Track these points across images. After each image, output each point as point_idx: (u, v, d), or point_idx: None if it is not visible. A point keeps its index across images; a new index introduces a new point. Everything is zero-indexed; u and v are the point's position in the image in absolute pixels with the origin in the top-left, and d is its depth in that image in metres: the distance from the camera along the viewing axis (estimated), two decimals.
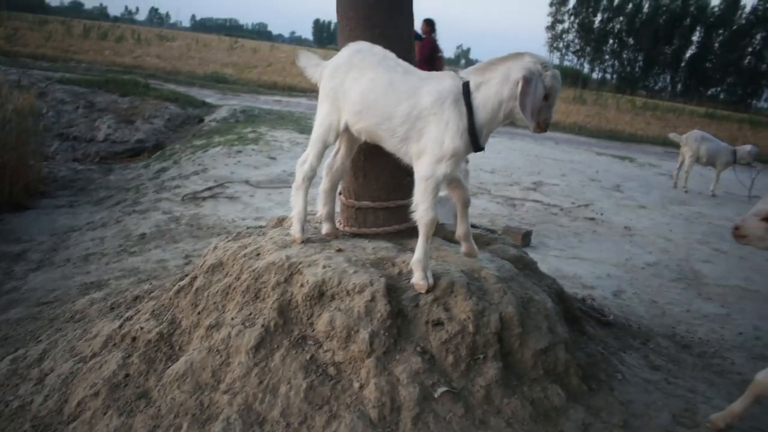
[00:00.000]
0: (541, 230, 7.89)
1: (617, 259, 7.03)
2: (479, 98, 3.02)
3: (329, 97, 3.33)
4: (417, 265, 3.23)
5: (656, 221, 9.48)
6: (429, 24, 13.86)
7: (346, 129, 3.36)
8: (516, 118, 3.05)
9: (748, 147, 13.29)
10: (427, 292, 3.21)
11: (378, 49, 3.31)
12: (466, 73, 3.10)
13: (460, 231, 3.45)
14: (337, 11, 3.69)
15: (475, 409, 2.95)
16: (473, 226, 4.72)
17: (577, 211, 9.39)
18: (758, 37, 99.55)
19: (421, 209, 3.13)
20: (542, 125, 3.02)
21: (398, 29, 3.65)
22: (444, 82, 3.11)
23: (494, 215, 8.35)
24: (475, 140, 3.06)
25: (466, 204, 3.39)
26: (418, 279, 3.22)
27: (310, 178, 3.54)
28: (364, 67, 3.23)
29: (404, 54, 3.59)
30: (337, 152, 3.57)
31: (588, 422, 3.11)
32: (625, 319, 4.92)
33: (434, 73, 3.23)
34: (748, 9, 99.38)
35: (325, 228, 3.71)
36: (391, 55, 3.29)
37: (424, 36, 13.46)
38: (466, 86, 3.05)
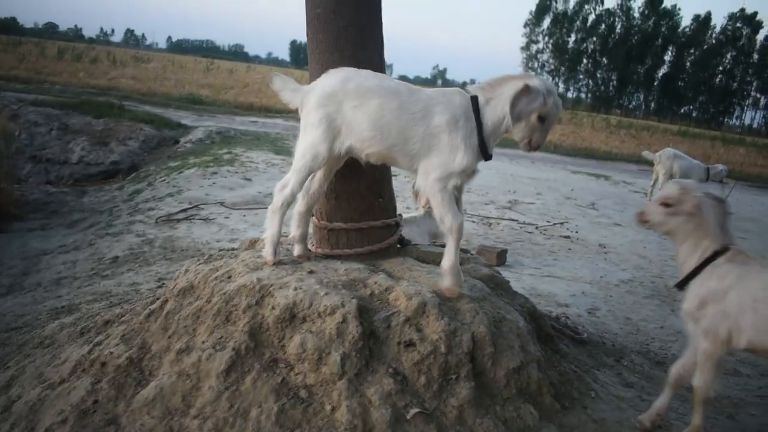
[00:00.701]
0: (516, 249, 7.94)
1: (592, 276, 7.08)
2: (488, 113, 3.19)
3: (321, 125, 3.25)
4: (449, 270, 3.33)
5: (630, 239, 9.58)
6: None
7: (338, 154, 3.35)
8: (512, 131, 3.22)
9: (720, 167, 13.57)
10: (459, 297, 3.34)
11: (367, 73, 3.33)
12: (474, 89, 3.25)
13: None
14: (307, 34, 3.70)
15: (448, 430, 2.94)
16: (443, 246, 4.74)
17: (553, 230, 9.47)
18: (728, 56, 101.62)
19: (448, 219, 3.26)
20: (533, 144, 3.22)
21: (368, 52, 3.67)
22: (454, 99, 3.23)
23: (470, 234, 8.38)
24: (484, 150, 3.23)
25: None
26: (450, 284, 3.33)
27: (289, 204, 3.49)
28: (363, 93, 3.21)
29: None
30: (314, 176, 3.55)
31: None
32: (599, 337, 4.95)
33: (442, 90, 3.32)
34: (717, 29, 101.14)
35: (297, 250, 3.70)
36: (385, 77, 3.35)
37: None
38: (475, 101, 3.19)
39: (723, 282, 3.02)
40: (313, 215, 3.83)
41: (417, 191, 3.34)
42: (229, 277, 3.48)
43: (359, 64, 3.52)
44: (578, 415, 3.34)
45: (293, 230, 3.67)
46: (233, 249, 4.48)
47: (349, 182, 3.65)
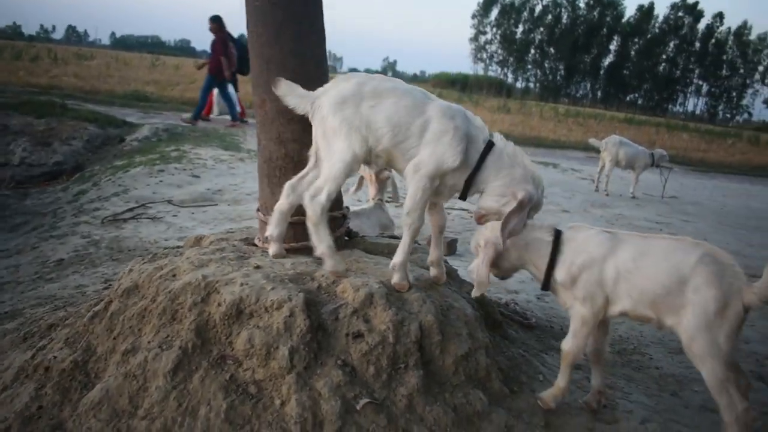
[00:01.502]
0: (467, 238, 8.00)
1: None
2: (489, 165, 3.26)
3: (344, 127, 3.23)
4: (400, 267, 3.36)
5: None
6: (215, 21, 14.68)
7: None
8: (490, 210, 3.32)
9: (662, 151, 13.95)
10: (408, 290, 3.38)
11: (381, 77, 3.38)
12: (496, 137, 3.36)
13: (433, 256, 3.61)
14: (248, 28, 3.67)
15: (398, 419, 2.97)
16: (393, 237, 4.77)
17: None
18: (671, 45, 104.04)
19: (413, 216, 3.29)
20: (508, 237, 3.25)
21: (310, 45, 3.65)
22: (474, 121, 3.35)
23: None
24: (466, 190, 3.32)
25: (441, 229, 3.55)
26: (399, 279, 3.36)
27: (327, 210, 3.37)
28: (379, 94, 3.25)
29: (316, 71, 3.62)
30: (304, 176, 3.52)
31: (510, 425, 3.16)
32: (547, 321, 5.04)
33: (462, 108, 3.38)
34: (660, 18, 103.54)
35: (273, 249, 3.65)
36: (399, 81, 3.38)
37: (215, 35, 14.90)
38: (489, 144, 3.29)
39: (599, 251, 3.14)
40: (258, 210, 3.81)
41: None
42: (174, 276, 3.44)
43: (299, 58, 3.52)
44: (527, 399, 3.39)
45: (271, 229, 3.59)
46: (178, 247, 4.43)
47: (293, 175, 3.63)
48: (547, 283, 3.33)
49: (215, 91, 16.87)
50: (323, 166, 3.33)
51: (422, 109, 3.25)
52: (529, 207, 3.20)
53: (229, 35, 15.70)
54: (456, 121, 3.24)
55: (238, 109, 17.18)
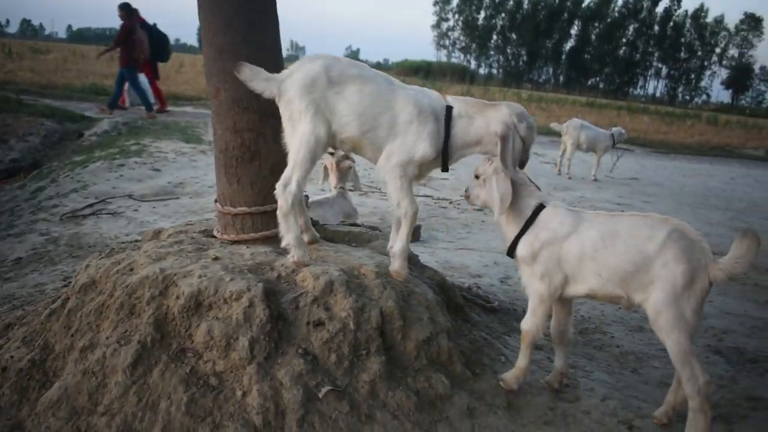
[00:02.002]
0: (430, 224, 8.05)
1: (504, 247, 7.23)
2: (458, 127, 3.29)
3: (310, 111, 3.20)
4: (400, 254, 3.36)
5: None
6: (123, 9, 14.67)
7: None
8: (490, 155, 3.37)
9: (620, 129, 14.17)
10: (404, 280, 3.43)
11: (348, 61, 3.35)
12: (451, 100, 3.36)
13: (393, 242, 3.58)
14: (200, 16, 3.62)
15: (361, 405, 2.98)
16: (354, 224, 4.77)
17: (466, 204, 9.61)
18: (630, 28, 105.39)
19: (405, 204, 3.27)
20: (522, 165, 3.37)
21: (263, 34, 3.62)
22: (430, 95, 3.35)
23: (384, 212, 8.43)
24: (445, 161, 3.35)
25: None
26: (398, 266, 3.34)
27: (298, 201, 3.38)
28: (345, 80, 3.23)
29: (271, 59, 3.59)
30: None
31: (473, 407, 3.19)
32: (510, 304, 5.08)
33: (420, 88, 3.41)
34: (620, 2, 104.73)
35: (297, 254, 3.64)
36: (365, 66, 3.36)
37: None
38: (449, 110, 3.29)
39: (561, 229, 3.17)
40: (216, 201, 3.77)
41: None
42: (132, 270, 3.40)
43: (253, 47, 3.49)
44: (489, 381, 3.43)
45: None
46: (137, 241, 4.37)
47: (250, 166, 3.61)
48: (512, 251, 3.35)
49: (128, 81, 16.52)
50: (289, 151, 3.30)
51: (388, 100, 3.24)
52: (512, 132, 3.21)
53: (144, 23, 15.55)
54: (422, 107, 3.24)
55: (153, 99, 16.93)
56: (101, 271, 3.49)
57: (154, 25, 16.24)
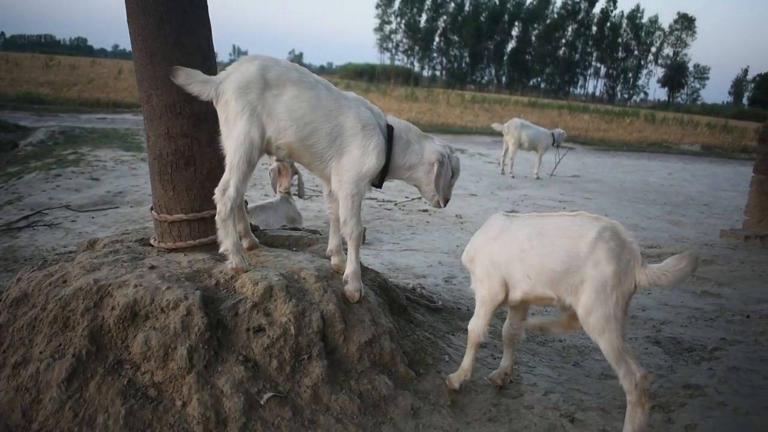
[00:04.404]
0: (375, 226, 8.06)
1: (448, 246, 7.31)
2: (398, 147, 3.37)
3: (246, 113, 3.15)
4: (354, 276, 3.42)
5: (485, 207, 9.96)
6: None
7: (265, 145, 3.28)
8: (420, 189, 3.52)
9: (561, 130, 14.43)
10: (359, 301, 3.44)
11: (288, 63, 3.31)
12: (392, 121, 3.44)
13: (332, 245, 3.66)
14: (128, 21, 3.53)
15: (304, 410, 2.95)
16: (294, 229, 4.74)
17: (411, 205, 9.68)
18: (569, 29, 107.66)
19: (351, 224, 3.31)
20: (444, 201, 3.50)
21: (194, 37, 3.56)
22: (373, 109, 3.39)
23: (329, 216, 8.41)
24: (382, 177, 3.41)
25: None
26: (353, 289, 3.40)
27: (237, 206, 3.31)
28: (283, 83, 3.18)
29: (203, 62, 3.54)
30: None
31: (417, 406, 3.20)
32: (454, 303, 5.11)
33: (363, 99, 3.43)
34: (558, 4, 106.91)
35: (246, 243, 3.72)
36: (306, 71, 3.32)
37: None
38: (390, 129, 3.37)
39: (490, 232, 3.24)
40: (151, 209, 3.70)
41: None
42: (65, 282, 3.30)
43: (184, 50, 3.43)
44: (433, 380, 3.44)
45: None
46: (70, 252, 4.25)
47: (185, 172, 3.55)
48: None
49: None
50: (226, 155, 3.25)
51: (330, 110, 3.22)
52: (446, 161, 3.39)
53: None
54: (366, 120, 3.25)
55: None
56: (33, 284, 3.38)
57: None
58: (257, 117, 3.18)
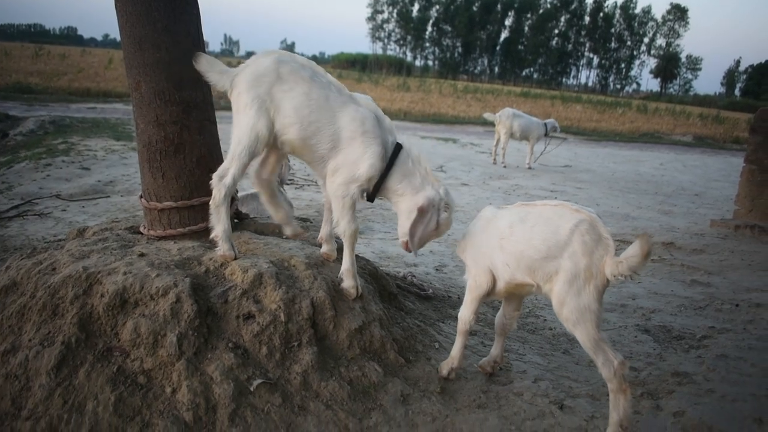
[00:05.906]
0: (367, 215, 8.06)
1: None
2: (397, 167, 3.28)
3: (254, 106, 3.17)
4: (347, 273, 3.40)
5: (477, 196, 9.97)
6: None
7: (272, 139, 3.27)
8: (399, 220, 3.39)
9: (553, 121, 14.42)
10: (355, 299, 3.41)
11: (303, 60, 3.30)
12: (405, 144, 3.35)
13: (323, 233, 3.67)
14: (116, 7, 3.50)
15: (294, 397, 2.96)
16: None
17: None
18: (562, 19, 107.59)
19: (343, 224, 3.29)
20: (414, 247, 3.29)
21: (183, 24, 3.53)
22: (383, 121, 3.33)
23: (321, 205, 8.40)
24: (374, 192, 3.32)
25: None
26: (348, 286, 3.39)
27: (232, 193, 3.32)
28: (295, 80, 3.18)
29: (192, 49, 3.51)
30: (265, 159, 3.50)
31: (406, 393, 3.21)
32: (445, 291, 5.13)
33: (375, 107, 3.36)
34: None
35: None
36: (320, 71, 3.31)
37: None
38: (398, 147, 3.30)
39: (477, 224, 3.26)
40: (141, 197, 3.69)
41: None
42: (54, 269, 3.29)
43: (174, 37, 3.41)
44: (423, 367, 3.46)
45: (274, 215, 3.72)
46: (60, 240, 4.24)
47: (175, 160, 3.54)
48: None
49: None
50: (231, 144, 3.26)
51: (335, 112, 3.20)
52: (432, 212, 3.25)
53: None
54: (367, 127, 3.22)
55: None
56: (22, 272, 3.37)
57: None
58: (265, 111, 3.19)
